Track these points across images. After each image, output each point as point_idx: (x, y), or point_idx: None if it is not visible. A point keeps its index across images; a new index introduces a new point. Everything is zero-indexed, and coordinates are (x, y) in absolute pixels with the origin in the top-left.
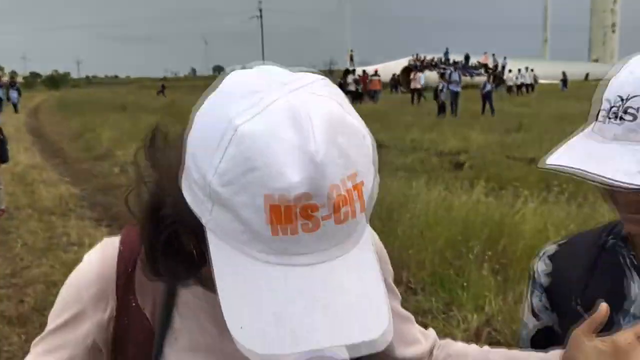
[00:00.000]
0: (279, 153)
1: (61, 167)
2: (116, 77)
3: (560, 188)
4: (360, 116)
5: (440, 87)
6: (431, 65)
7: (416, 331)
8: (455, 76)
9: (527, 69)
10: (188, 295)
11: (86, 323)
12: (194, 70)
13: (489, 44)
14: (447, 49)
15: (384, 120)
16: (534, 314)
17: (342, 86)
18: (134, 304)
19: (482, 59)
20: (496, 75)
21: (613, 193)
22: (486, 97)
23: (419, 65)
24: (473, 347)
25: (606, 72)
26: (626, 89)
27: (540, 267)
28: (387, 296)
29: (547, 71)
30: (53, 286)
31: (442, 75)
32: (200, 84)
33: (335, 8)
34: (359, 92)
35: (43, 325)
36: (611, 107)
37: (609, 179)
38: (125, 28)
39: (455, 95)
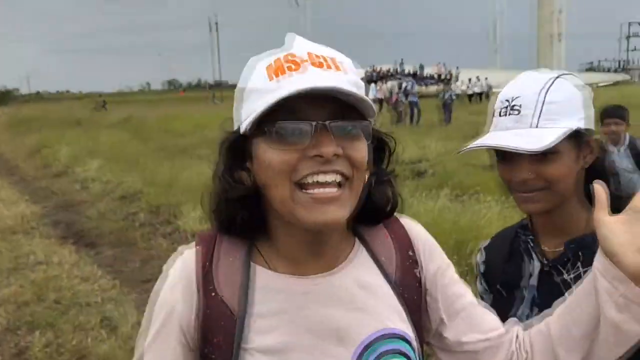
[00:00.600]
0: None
1: (20, 185)
2: (68, 92)
3: None
4: None
5: (399, 97)
6: (388, 75)
7: (489, 318)
8: (415, 87)
9: (477, 78)
10: (263, 281)
11: (177, 324)
12: (148, 84)
13: (441, 54)
14: (402, 59)
15: None
16: (481, 298)
17: None
18: (214, 295)
19: (435, 69)
20: (446, 84)
21: (510, 180)
22: (445, 106)
23: (376, 76)
24: (544, 321)
25: None
26: (511, 93)
27: (479, 257)
28: None
29: (499, 79)
30: (25, 306)
31: (399, 86)
32: (154, 98)
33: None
34: None
35: (18, 345)
36: (502, 108)
37: (514, 147)
38: (77, 42)
39: (414, 105)
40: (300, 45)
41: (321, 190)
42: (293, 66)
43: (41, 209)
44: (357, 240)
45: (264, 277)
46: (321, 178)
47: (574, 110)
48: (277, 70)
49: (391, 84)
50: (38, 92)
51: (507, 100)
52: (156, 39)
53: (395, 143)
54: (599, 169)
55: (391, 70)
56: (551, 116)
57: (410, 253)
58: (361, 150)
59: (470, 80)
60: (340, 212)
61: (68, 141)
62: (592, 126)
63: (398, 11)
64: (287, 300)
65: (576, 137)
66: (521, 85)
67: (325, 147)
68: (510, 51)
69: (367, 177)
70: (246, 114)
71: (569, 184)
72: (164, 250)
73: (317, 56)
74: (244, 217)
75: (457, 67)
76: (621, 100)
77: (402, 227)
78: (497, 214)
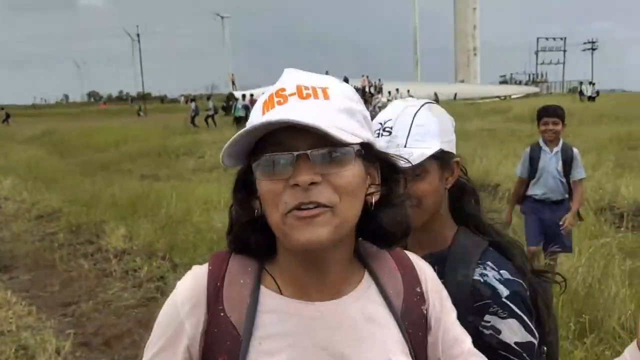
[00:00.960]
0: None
1: None
2: None
3: None
4: None
5: None
6: None
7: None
8: None
9: (397, 90)
10: (271, 304)
11: (184, 339)
12: (66, 96)
13: (364, 67)
14: (326, 72)
15: None
16: None
17: (227, 109)
18: (222, 314)
19: (360, 83)
20: (366, 99)
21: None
22: None
23: None
24: None
25: (472, 91)
26: (385, 117)
27: None
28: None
29: (420, 92)
30: None
31: None
32: (74, 111)
33: (215, 32)
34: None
35: None
36: (376, 130)
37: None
38: None
39: None
40: (291, 79)
41: (304, 210)
42: (282, 100)
43: None
44: (366, 272)
45: (272, 301)
46: (303, 207)
47: (438, 134)
48: (268, 105)
49: None
50: None
51: (381, 124)
52: (74, 49)
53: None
54: (459, 190)
55: None
56: (419, 137)
57: (418, 289)
58: (345, 176)
59: (390, 92)
60: (324, 232)
61: None
62: (454, 150)
63: (332, 19)
64: (293, 324)
65: (441, 159)
66: (393, 111)
67: (301, 176)
68: (432, 64)
69: (372, 200)
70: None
71: (436, 201)
72: (85, 271)
73: (305, 87)
74: (257, 241)
75: (380, 80)
76: (533, 110)
77: (409, 261)
78: None
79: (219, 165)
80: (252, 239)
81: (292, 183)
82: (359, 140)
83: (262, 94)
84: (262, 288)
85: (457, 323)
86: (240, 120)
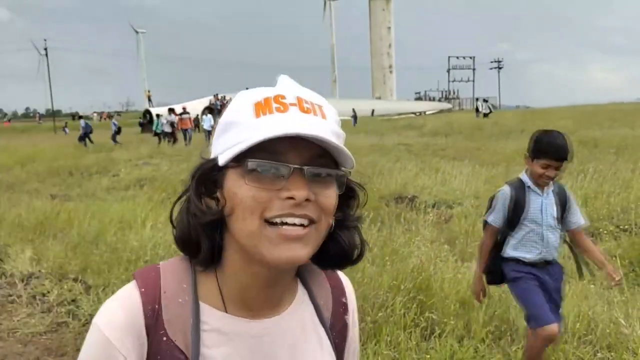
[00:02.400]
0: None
1: None
2: None
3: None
4: (181, 160)
5: None
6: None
7: None
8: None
9: None
10: (214, 323)
11: None
12: None
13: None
14: (247, 88)
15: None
16: None
17: (143, 125)
18: (164, 339)
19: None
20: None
21: None
22: None
23: (220, 105)
24: None
25: (388, 107)
26: None
27: None
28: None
29: (339, 108)
30: None
31: None
32: None
33: (129, 47)
34: (173, 132)
35: None
36: None
37: None
38: None
39: None
40: (290, 89)
41: (289, 228)
42: (281, 107)
43: None
44: (299, 282)
45: (215, 320)
46: (290, 220)
47: None
48: (265, 109)
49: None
50: None
51: None
52: None
53: (365, 194)
54: None
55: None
56: None
57: (343, 300)
58: (331, 198)
59: None
60: (304, 251)
61: None
62: None
63: (253, 41)
64: (239, 344)
65: None
66: None
67: (298, 191)
68: (350, 82)
69: (332, 222)
70: (225, 145)
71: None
72: None
73: (305, 102)
74: (211, 246)
75: None
76: (446, 125)
77: (337, 275)
78: None
79: (135, 183)
80: (208, 243)
81: (286, 196)
82: (351, 165)
83: (245, 95)
84: (203, 305)
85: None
86: (166, 136)
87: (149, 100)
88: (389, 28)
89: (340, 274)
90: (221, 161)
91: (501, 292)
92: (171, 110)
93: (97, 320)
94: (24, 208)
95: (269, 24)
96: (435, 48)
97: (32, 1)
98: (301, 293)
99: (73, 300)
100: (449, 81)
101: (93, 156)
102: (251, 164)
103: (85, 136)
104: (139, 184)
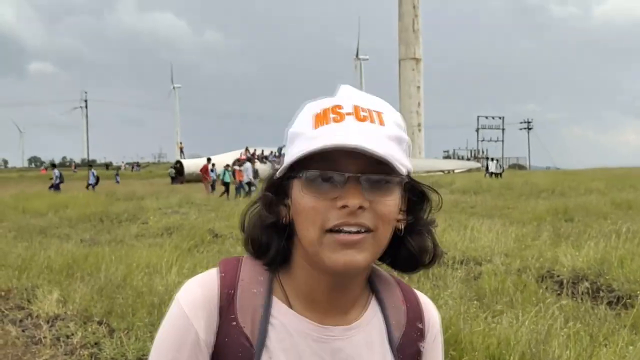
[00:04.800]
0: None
1: None
2: None
3: None
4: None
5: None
6: (263, 157)
7: None
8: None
9: None
10: (283, 319)
11: (197, 350)
12: (5, 162)
13: None
14: (281, 146)
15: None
16: None
17: (174, 178)
18: (234, 324)
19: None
20: None
21: None
22: None
23: (252, 158)
24: None
25: (417, 165)
26: None
27: None
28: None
29: None
30: None
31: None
32: (13, 176)
33: (163, 101)
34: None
35: None
36: None
37: None
38: None
39: (250, 185)
40: (349, 97)
41: (344, 235)
42: (338, 117)
43: None
44: (374, 298)
45: (283, 315)
46: (346, 228)
47: None
48: (322, 120)
49: (247, 165)
50: None
51: None
52: (18, 115)
53: (438, 195)
54: None
55: (267, 153)
56: None
57: (419, 325)
58: (389, 205)
59: None
60: (360, 256)
61: None
62: None
63: (285, 95)
64: (301, 343)
65: None
66: None
67: (352, 199)
68: None
69: (401, 226)
70: (289, 156)
71: None
72: (13, 338)
73: (362, 109)
74: (278, 247)
75: None
76: (475, 183)
77: (417, 299)
78: None
79: (163, 232)
80: (274, 245)
81: (340, 204)
82: (405, 171)
83: (309, 107)
84: (275, 300)
85: None
86: (246, 187)
87: (181, 151)
88: (418, 87)
89: (422, 298)
90: (279, 173)
91: (531, 345)
92: (231, 165)
93: (178, 295)
94: (53, 251)
95: (301, 79)
96: (464, 107)
97: (74, 55)
98: (374, 309)
99: (96, 343)
100: (477, 140)
101: (124, 204)
102: (307, 174)
103: (57, 185)
104: (167, 231)
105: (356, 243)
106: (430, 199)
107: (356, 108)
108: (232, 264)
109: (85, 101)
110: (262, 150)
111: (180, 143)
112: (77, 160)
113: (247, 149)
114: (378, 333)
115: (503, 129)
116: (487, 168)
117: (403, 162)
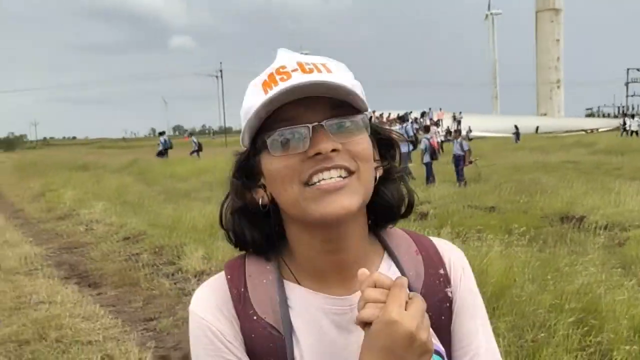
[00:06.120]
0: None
1: (24, 228)
2: (74, 138)
3: (520, 232)
4: None
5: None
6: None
7: None
8: (409, 131)
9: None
10: (296, 298)
11: (231, 349)
12: (153, 130)
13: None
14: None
15: None
16: None
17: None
18: (255, 318)
19: (437, 115)
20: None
21: None
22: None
23: (378, 122)
24: None
25: (554, 124)
26: None
27: None
28: None
29: (499, 125)
30: (26, 344)
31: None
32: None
33: None
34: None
35: None
36: None
37: None
38: (82, 90)
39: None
40: (290, 58)
41: (327, 181)
42: (284, 77)
43: (45, 250)
44: (385, 253)
45: (297, 294)
46: (326, 175)
47: None
48: (270, 84)
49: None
50: (45, 139)
51: None
52: (162, 87)
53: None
54: None
55: (396, 117)
56: None
57: (442, 271)
58: (361, 143)
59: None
60: (351, 200)
61: (73, 185)
62: None
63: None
64: (318, 317)
65: None
66: None
67: (323, 144)
68: (512, 98)
69: (377, 175)
70: (248, 130)
71: None
72: (166, 289)
73: (306, 64)
74: (253, 236)
75: (460, 112)
76: (622, 143)
77: (433, 246)
78: (498, 253)
79: None
80: (247, 233)
81: (312, 153)
82: (365, 110)
83: (254, 81)
84: (286, 282)
85: (476, 314)
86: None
87: None
88: (558, 40)
89: (439, 242)
90: (244, 144)
91: None
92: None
93: (191, 307)
94: (197, 212)
95: (428, 40)
96: (611, 60)
97: (209, 28)
98: (386, 262)
99: None
100: (627, 96)
101: None
102: (270, 138)
103: (165, 152)
104: None
105: (340, 188)
106: (398, 144)
107: (300, 64)
108: (237, 263)
109: (221, 71)
110: (390, 113)
111: None
112: (215, 127)
113: (373, 112)
114: None
115: None
116: (623, 125)
117: (362, 98)
